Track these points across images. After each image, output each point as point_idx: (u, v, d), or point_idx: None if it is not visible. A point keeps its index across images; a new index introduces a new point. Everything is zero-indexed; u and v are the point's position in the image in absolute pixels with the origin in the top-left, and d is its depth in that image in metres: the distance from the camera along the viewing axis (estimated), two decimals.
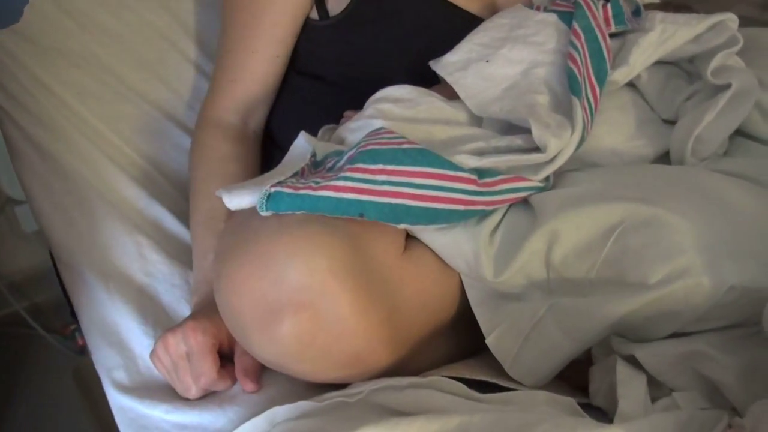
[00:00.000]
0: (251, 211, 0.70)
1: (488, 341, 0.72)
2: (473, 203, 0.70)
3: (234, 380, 0.77)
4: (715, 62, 0.81)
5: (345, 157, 0.71)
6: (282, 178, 0.69)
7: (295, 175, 0.71)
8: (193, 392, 0.77)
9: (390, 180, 0.67)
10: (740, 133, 0.86)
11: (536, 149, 0.75)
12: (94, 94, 1.07)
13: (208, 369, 0.75)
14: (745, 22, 0.90)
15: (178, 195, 1.06)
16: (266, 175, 0.74)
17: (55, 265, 1.02)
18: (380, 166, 0.68)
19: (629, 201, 0.68)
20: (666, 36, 0.86)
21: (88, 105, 1.05)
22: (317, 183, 0.67)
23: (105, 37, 1.10)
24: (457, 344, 0.81)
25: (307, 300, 0.64)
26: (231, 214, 0.73)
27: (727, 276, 0.63)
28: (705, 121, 0.79)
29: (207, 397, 0.81)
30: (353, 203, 0.67)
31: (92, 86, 1.07)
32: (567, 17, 0.88)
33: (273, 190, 0.66)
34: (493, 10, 1.03)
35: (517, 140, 0.76)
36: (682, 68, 0.91)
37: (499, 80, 0.84)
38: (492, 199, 0.71)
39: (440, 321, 0.76)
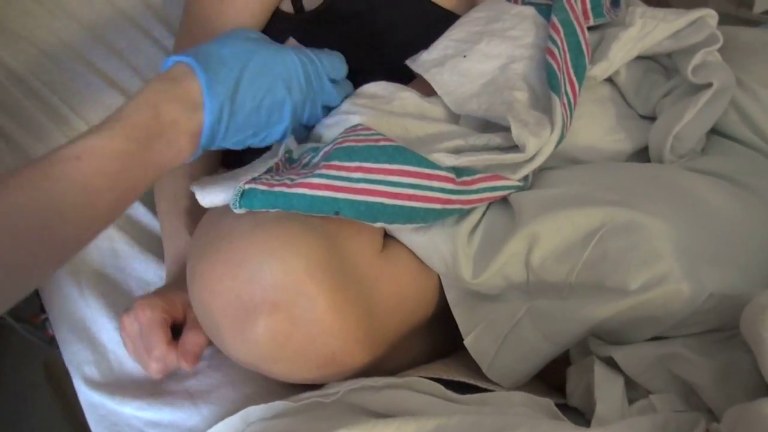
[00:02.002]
0: (225, 209, 0.69)
1: (466, 342, 0.71)
2: (450, 202, 0.69)
3: (196, 358, 0.76)
4: (695, 61, 0.81)
5: (320, 154, 0.70)
6: (256, 175, 0.68)
7: (269, 171, 0.70)
8: (153, 368, 0.75)
9: (366, 178, 0.66)
10: (717, 132, 0.85)
11: (515, 147, 0.74)
12: (65, 83, 1.04)
13: (156, 342, 0.74)
14: (721, 17, 0.89)
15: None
16: (240, 170, 0.73)
17: None
18: (356, 164, 0.67)
19: (609, 204, 0.67)
20: (646, 31, 0.85)
21: (58, 95, 1.03)
22: (292, 180, 0.66)
23: (76, 24, 1.08)
24: (434, 343, 0.81)
25: (282, 300, 0.63)
26: (203, 210, 0.71)
27: (706, 283, 0.63)
28: (685, 120, 0.78)
29: (180, 394, 0.80)
30: (328, 201, 0.66)
31: (63, 75, 1.04)
32: (545, 10, 0.87)
33: (247, 187, 0.65)
34: (470, 5, 1.02)
35: (496, 138, 0.75)
36: (660, 63, 0.91)
37: (476, 75, 0.83)
38: (469, 198, 0.70)
39: (417, 320, 0.75)
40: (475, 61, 0.83)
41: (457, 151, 0.74)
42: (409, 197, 0.68)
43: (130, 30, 1.11)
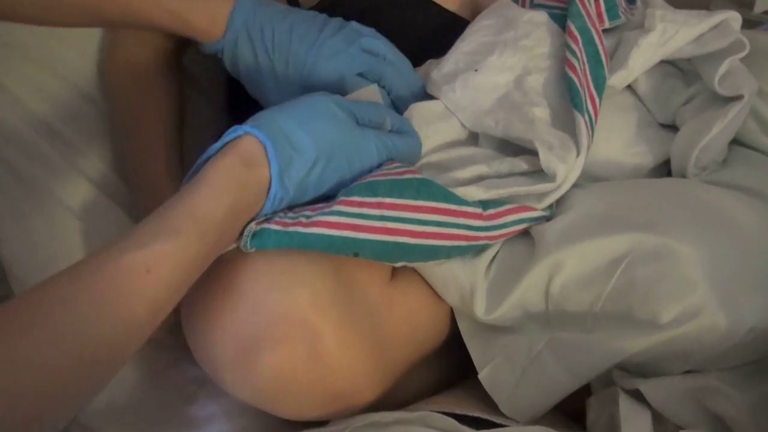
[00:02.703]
0: None
1: (481, 377, 0.67)
2: (477, 238, 0.65)
3: None
4: (722, 70, 0.76)
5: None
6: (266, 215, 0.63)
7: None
8: None
9: (389, 215, 0.62)
10: (736, 141, 0.81)
11: (540, 171, 0.69)
12: (51, 91, 0.99)
13: None
14: None
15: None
16: None
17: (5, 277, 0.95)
18: (378, 200, 0.62)
19: (635, 229, 0.63)
20: (667, 36, 0.80)
21: (44, 103, 0.98)
22: (308, 217, 0.61)
23: (62, 30, 1.02)
24: (442, 370, 0.77)
25: (286, 334, 0.59)
26: None
27: (745, 315, 0.59)
28: (713, 133, 0.74)
29: (173, 423, 0.75)
30: (348, 241, 0.61)
31: (49, 83, 0.99)
32: (557, 16, 0.82)
33: (259, 227, 0.60)
34: (473, 8, 0.97)
35: (521, 163, 0.70)
36: (678, 67, 0.86)
37: (489, 90, 0.78)
38: (496, 233, 0.67)
39: (429, 350, 0.71)
40: (488, 74, 0.78)
41: (480, 179, 0.70)
42: (434, 235, 0.63)
43: None
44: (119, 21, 0.77)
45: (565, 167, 0.68)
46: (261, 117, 0.62)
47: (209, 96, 1.09)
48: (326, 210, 0.61)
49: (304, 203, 0.65)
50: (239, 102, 0.98)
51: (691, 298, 0.59)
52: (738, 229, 0.65)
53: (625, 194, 0.70)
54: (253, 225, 0.61)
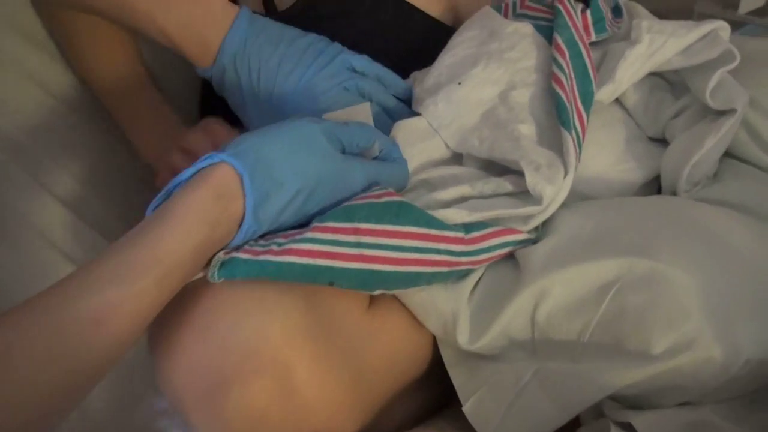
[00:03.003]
0: None
1: (465, 409, 0.63)
2: (459, 264, 0.62)
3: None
4: (712, 82, 0.73)
5: None
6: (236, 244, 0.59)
7: None
8: None
9: (366, 242, 0.59)
10: (727, 153, 0.78)
11: (525, 192, 0.66)
12: (17, 103, 0.95)
13: None
14: (706, 18, 0.81)
15: (114, 218, 0.95)
16: None
17: None
18: (354, 225, 0.59)
19: (625, 253, 0.60)
20: (654, 48, 0.77)
21: (9, 116, 0.93)
22: (279, 245, 0.58)
23: (28, 40, 0.98)
24: (427, 399, 0.73)
25: (256, 370, 0.55)
26: None
27: (741, 346, 0.56)
28: (705, 148, 0.71)
29: None
30: (323, 270, 0.58)
31: (14, 95, 0.95)
32: (543, 28, 0.79)
33: (227, 257, 0.57)
34: (454, 14, 0.94)
35: (506, 184, 0.68)
36: (665, 79, 0.83)
37: (473, 105, 0.75)
38: (479, 258, 0.64)
39: (410, 380, 0.67)
40: (471, 88, 0.75)
41: (463, 200, 0.67)
42: (414, 262, 0.60)
43: None
44: (119, 21, 0.79)
45: (552, 188, 0.65)
46: (241, 143, 0.59)
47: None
48: (299, 237, 0.58)
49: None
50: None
51: (685, 328, 0.56)
52: (732, 252, 0.62)
53: (612, 215, 0.67)
54: (221, 254, 0.57)
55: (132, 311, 0.50)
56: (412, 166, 0.72)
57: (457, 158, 0.76)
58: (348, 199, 0.63)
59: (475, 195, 0.67)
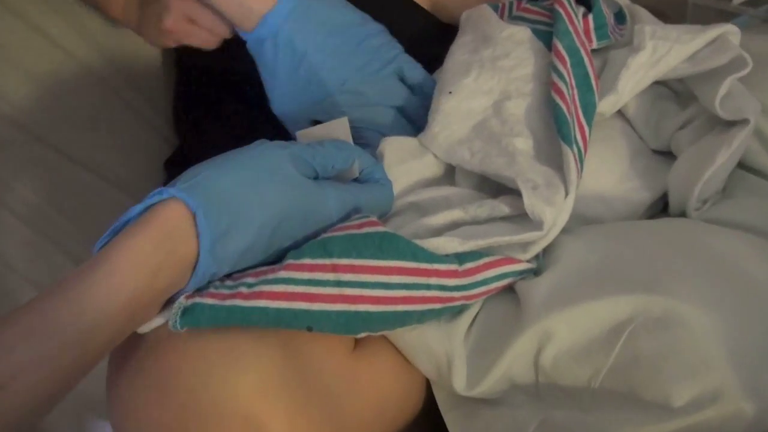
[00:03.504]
0: None
1: None
2: (452, 300, 0.56)
3: None
4: (723, 90, 0.67)
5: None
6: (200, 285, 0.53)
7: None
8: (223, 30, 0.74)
9: (347, 280, 0.53)
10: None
11: (524, 215, 0.61)
12: None
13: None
14: (699, 10, 0.82)
15: (80, 236, 0.88)
16: None
17: None
18: (333, 261, 0.53)
19: (637, 290, 0.54)
20: (659, 55, 0.71)
21: None
22: (249, 286, 0.52)
23: None
24: None
25: (226, 429, 0.49)
26: None
27: None
28: (717, 164, 0.65)
29: None
30: (300, 314, 0.52)
31: None
32: (541, 33, 0.73)
33: (189, 302, 0.51)
34: (442, 8, 0.88)
35: (502, 207, 0.62)
36: (669, 87, 0.77)
37: (464, 115, 0.69)
38: (475, 292, 0.58)
39: (401, 427, 0.61)
40: (462, 98, 0.69)
41: (455, 225, 0.61)
42: (402, 300, 0.54)
43: (51, 52, 0.95)
44: None
45: (552, 211, 0.59)
46: (195, 175, 0.53)
47: (154, 125, 0.99)
48: (271, 277, 0.52)
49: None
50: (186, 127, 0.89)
51: (708, 378, 0.50)
52: (752, 285, 0.56)
53: (620, 243, 0.61)
54: (182, 299, 0.51)
55: (46, 372, 0.44)
56: (400, 186, 0.66)
57: (449, 177, 0.70)
58: (325, 229, 0.57)
59: (468, 220, 0.62)
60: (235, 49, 0.74)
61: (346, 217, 0.58)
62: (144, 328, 0.52)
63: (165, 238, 0.49)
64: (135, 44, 0.92)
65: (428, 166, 0.68)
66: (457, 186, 0.68)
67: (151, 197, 0.51)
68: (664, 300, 0.53)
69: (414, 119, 0.72)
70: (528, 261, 0.60)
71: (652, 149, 0.76)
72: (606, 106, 0.71)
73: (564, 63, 0.68)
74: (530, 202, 0.59)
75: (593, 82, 0.69)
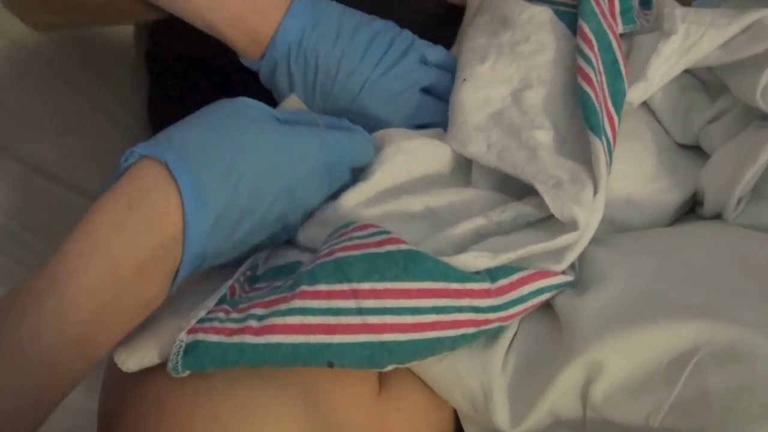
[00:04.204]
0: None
1: None
2: (488, 322, 0.49)
3: None
4: (763, 81, 0.61)
5: (302, 271, 0.48)
6: (204, 313, 0.45)
7: (221, 302, 0.47)
8: None
9: (369, 307, 0.45)
10: None
11: (551, 218, 0.53)
12: None
13: None
14: None
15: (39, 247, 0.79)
16: (180, 309, 0.49)
17: None
18: (353, 286, 0.45)
19: (696, 315, 0.47)
20: (691, 41, 0.64)
21: None
22: (259, 319, 0.44)
23: None
24: None
25: None
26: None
27: None
28: (760, 162, 0.59)
29: None
30: (319, 349, 0.44)
31: None
32: (565, 15, 0.66)
33: (191, 338, 0.42)
34: None
35: (528, 209, 0.54)
36: (697, 76, 0.70)
37: (480, 104, 0.62)
38: (512, 312, 0.50)
39: None
40: (479, 86, 0.62)
41: (479, 235, 0.53)
42: (432, 326, 0.47)
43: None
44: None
45: (582, 210, 0.52)
46: (155, 138, 0.48)
47: (128, 128, 0.89)
48: (284, 308, 0.44)
49: (249, 283, 0.48)
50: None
51: None
52: None
53: (667, 258, 0.54)
54: (183, 335, 0.43)
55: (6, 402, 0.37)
56: (403, 176, 0.60)
57: (462, 172, 0.62)
58: (314, 183, 0.52)
59: (492, 228, 0.54)
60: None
61: (334, 168, 0.53)
62: (131, 364, 0.44)
63: (135, 202, 0.43)
64: (102, 41, 0.82)
65: (437, 156, 0.60)
66: (474, 186, 0.60)
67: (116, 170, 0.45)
68: (731, 328, 0.46)
69: (446, 96, 0.65)
70: (564, 272, 0.53)
71: (678, 143, 0.69)
72: (635, 94, 0.64)
73: (591, 47, 0.61)
74: (555, 203, 0.52)
75: (622, 68, 0.62)
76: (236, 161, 0.47)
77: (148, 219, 0.43)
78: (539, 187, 0.54)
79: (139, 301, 0.44)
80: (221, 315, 0.45)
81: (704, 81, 0.70)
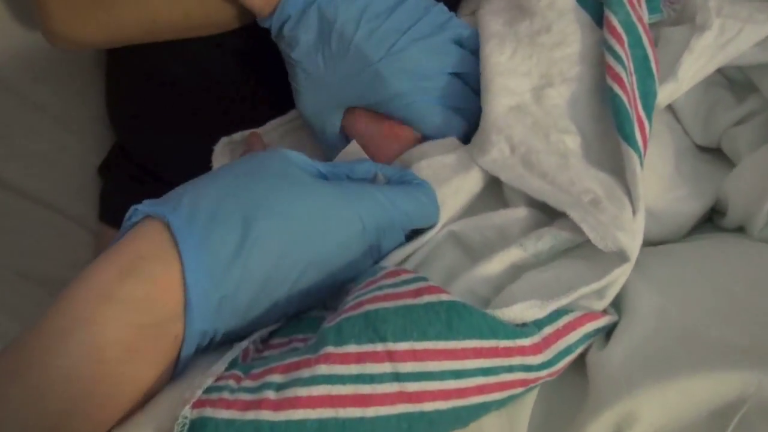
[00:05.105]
0: None
1: None
2: (537, 380, 0.43)
3: None
4: None
5: (325, 328, 0.41)
6: (212, 381, 0.38)
7: (233, 367, 0.40)
8: None
9: (407, 371, 0.39)
10: None
11: (588, 244, 0.48)
12: None
13: None
14: None
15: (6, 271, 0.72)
16: (184, 376, 0.42)
17: None
18: (387, 347, 0.39)
19: (745, 365, 0.42)
20: (727, 38, 0.59)
21: None
22: (278, 389, 0.37)
23: None
24: None
25: None
26: None
27: None
28: None
29: None
30: (350, 426, 0.38)
31: None
32: (589, 3, 0.59)
33: (197, 414, 0.36)
34: None
35: (563, 233, 0.49)
36: (723, 73, 0.65)
37: (497, 92, 0.56)
38: (560, 366, 0.44)
39: None
40: (494, 76, 0.55)
41: (515, 269, 0.47)
42: (479, 390, 0.40)
43: None
44: None
45: (626, 236, 0.47)
46: (168, 194, 0.43)
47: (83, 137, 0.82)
48: (306, 375, 0.38)
49: (262, 339, 0.42)
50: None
51: None
52: None
53: (700, 287, 0.48)
54: (187, 410, 0.36)
55: None
56: (450, 210, 0.53)
57: (493, 190, 0.56)
58: (353, 254, 0.44)
59: (530, 260, 0.48)
60: None
61: (384, 234, 0.46)
62: None
63: (130, 271, 0.37)
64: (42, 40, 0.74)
65: (477, 180, 0.54)
66: (508, 202, 0.54)
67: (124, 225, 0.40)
68: None
69: (477, 86, 0.59)
70: (608, 311, 0.47)
71: (697, 145, 0.64)
72: (662, 95, 0.58)
73: (621, 42, 0.55)
74: (596, 232, 0.46)
75: (653, 65, 0.56)
76: (253, 226, 0.40)
77: (142, 292, 0.37)
78: (575, 216, 0.48)
79: (131, 386, 0.38)
80: (231, 383, 0.38)
81: (730, 78, 0.64)
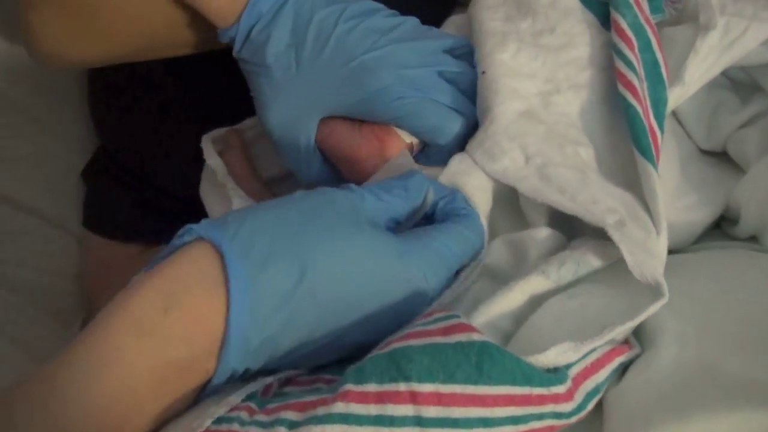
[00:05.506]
0: None
1: None
2: (566, 425, 0.40)
3: None
4: None
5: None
6: (224, 411, 0.35)
7: (250, 398, 0.37)
8: None
9: (431, 417, 0.35)
10: None
11: (616, 265, 0.45)
12: None
13: None
14: None
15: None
16: (198, 403, 0.38)
17: None
18: (411, 387, 0.35)
19: (765, 404, 0.39)
20: (732, 37, 0.56)
21: None
22: (291, 427, 0.35)
23: None
24: None
25: None
26: None
27: None
28: None
29: None
30: None
31: None
32: (593, 3, 0.56)
33: None
34: None
35: (588, 258, 0.45)
36: (726, 75, 0.62)
37: (506, 94, 0.52)
38: (588, 408, 0.41)
39: None
40: (500, 76, 0.52)
41: (537, 299, 0.44)
42: None
43: None
44: None
45: (660, 265, 0.44)
46: (225, 216, 0.41)
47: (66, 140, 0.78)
48: (322, 413, 0.34)
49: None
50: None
51: None
52: None
53: (718, 308, 0.45)
54: None
55: None
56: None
57: (508, 199, 0.53)
58: (402, 317, 0.41)
59: (552, 288, 0.45)
60: None
61: (443, 283, 0.43)
62: None
63: (172, 302, 0.35)
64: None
65: (483, 190, 0.50)
66: (526, 214, 0.50)
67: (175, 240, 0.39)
68: None
69: (469, 92, 0.55)
70: (635, 344, 0.44)
71: (701, 149, 0.61)
72: (670, 101, 0.55)
73: (631, 47, 0.52)
74: (633, 256, 0.43)
75: (663, 71, 0.53)
76: (308, 274, 0.37)
77: (183, 328, 0.35)
78: (615, 237, 0.44)
79: (153, 418, 0.36)
80: (244, 415, 0.35)
81: (733, 79, 0.62)
